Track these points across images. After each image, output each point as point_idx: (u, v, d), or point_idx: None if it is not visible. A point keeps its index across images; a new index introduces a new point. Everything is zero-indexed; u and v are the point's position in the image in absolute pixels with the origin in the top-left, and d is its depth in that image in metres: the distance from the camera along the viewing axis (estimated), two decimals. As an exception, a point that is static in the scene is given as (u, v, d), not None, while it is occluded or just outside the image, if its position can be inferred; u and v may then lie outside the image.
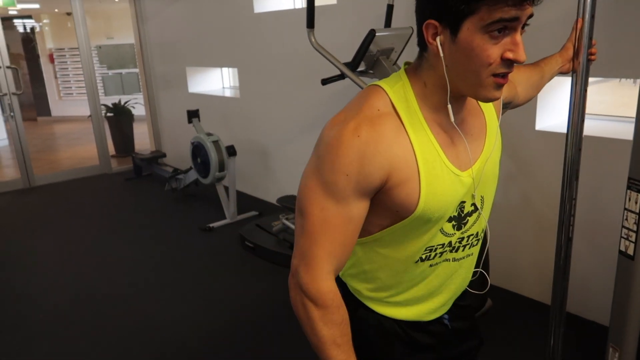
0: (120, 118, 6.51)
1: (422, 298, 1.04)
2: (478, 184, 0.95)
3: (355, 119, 0.86)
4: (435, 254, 0.98)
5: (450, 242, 0.98)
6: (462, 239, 0.99)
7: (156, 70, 5.65)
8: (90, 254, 3.58)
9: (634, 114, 1.62)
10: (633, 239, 1.59)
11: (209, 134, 3.83)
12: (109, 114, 6.43)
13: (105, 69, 7.91)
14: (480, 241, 1.04)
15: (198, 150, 3.87)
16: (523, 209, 2.63)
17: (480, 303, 2.39)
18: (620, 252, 1.65)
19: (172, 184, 4.61)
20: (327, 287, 0.90)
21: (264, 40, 4.02)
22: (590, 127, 2.40)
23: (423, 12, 0.83)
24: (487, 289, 1.08)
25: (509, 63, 0.81)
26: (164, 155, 5.19)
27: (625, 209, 1.61)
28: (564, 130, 1.89)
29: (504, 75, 0.83)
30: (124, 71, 7.75)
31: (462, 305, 1.14)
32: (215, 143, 3.77)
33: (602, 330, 2.29)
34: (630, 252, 1.61)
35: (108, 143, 5.84)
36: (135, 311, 2.79)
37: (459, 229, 0.97)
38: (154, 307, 2.82)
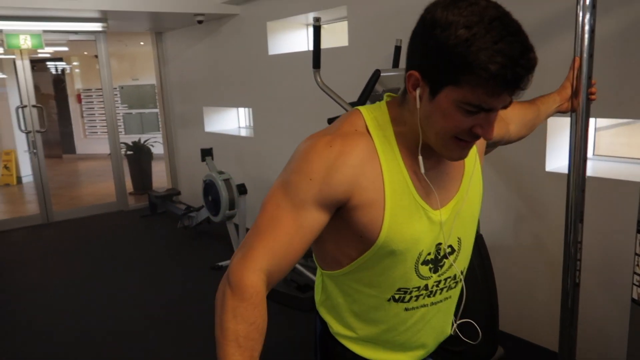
0: (139, 156, 6.63)
1: (401, 345, 1.00)
2: (452, 225, 0.93)
3: (332, 134, 0.88)
4: (411, 297, 0.95)
5: (426, 286, 0.95)
6: (439, 282, 0.96)
7: (175, 109, 5.79)
8: (100, 291, 3.56)
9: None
10: (645, 286, 1.50)
11: (220, 172, 3.85)
12: (128, 152, 6.56)
13: (127, 108, 8.13)
14: (460, 284, 1.01)
15: (209, 188, 3.89)
16: (534, 251, 2.53)
17: (490, 351, 2.27)
18: (632, 300, 1.55)
19: (184, 221, 4.62)
20: (251, 281, 0.84)
21: (277, 81, 4.09)
22: (604, 169, 2.33)
23: (411, 61, 0.84)
24: (479, 340, 1.02)
25: (475, 135, 0.82)
26: (179, 193, 5.24)
27: (636, 254, 1.53)
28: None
29: (468, 141, 0.83)
30: (144, 110, 7.96)
31: (455, 351, 1.09)
32: (227, 181, 3.79)
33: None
34: (643, 300, 1.51)
35: (127, 180, 5.94)
36: (144, 350, 2.75)
37: (435, 271, 0.95)
38: (164, 346, 2.78)
